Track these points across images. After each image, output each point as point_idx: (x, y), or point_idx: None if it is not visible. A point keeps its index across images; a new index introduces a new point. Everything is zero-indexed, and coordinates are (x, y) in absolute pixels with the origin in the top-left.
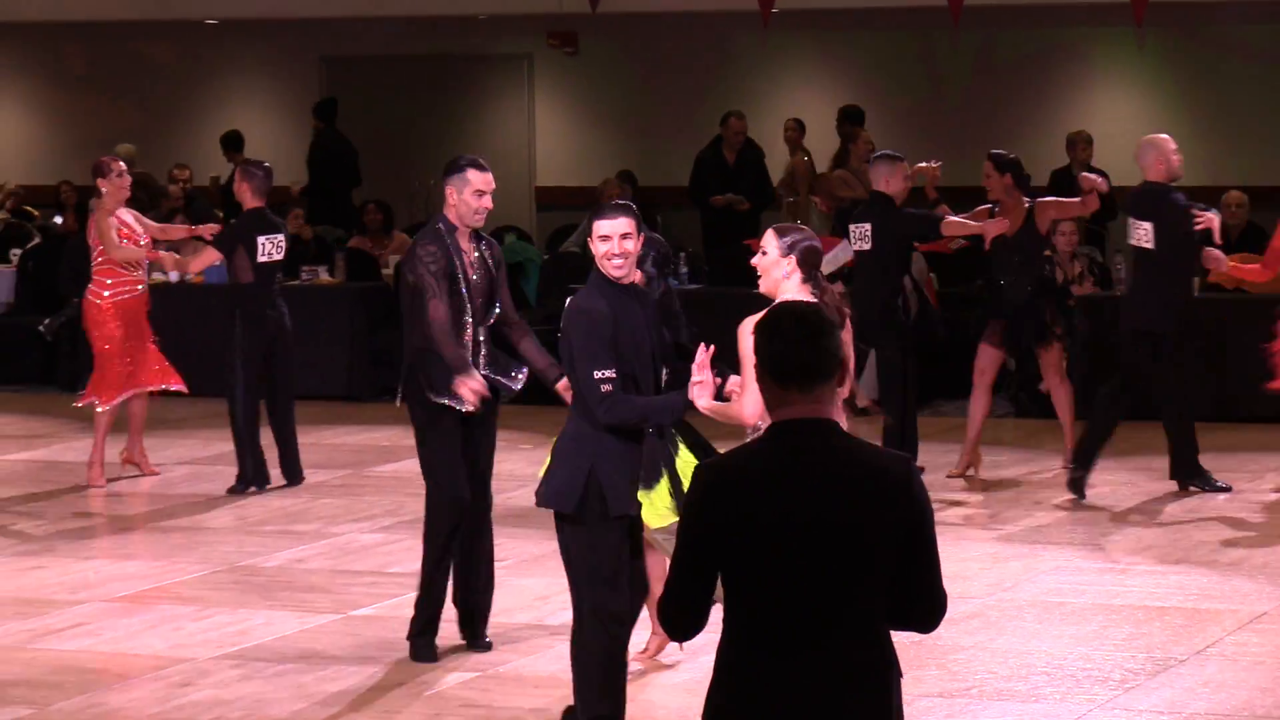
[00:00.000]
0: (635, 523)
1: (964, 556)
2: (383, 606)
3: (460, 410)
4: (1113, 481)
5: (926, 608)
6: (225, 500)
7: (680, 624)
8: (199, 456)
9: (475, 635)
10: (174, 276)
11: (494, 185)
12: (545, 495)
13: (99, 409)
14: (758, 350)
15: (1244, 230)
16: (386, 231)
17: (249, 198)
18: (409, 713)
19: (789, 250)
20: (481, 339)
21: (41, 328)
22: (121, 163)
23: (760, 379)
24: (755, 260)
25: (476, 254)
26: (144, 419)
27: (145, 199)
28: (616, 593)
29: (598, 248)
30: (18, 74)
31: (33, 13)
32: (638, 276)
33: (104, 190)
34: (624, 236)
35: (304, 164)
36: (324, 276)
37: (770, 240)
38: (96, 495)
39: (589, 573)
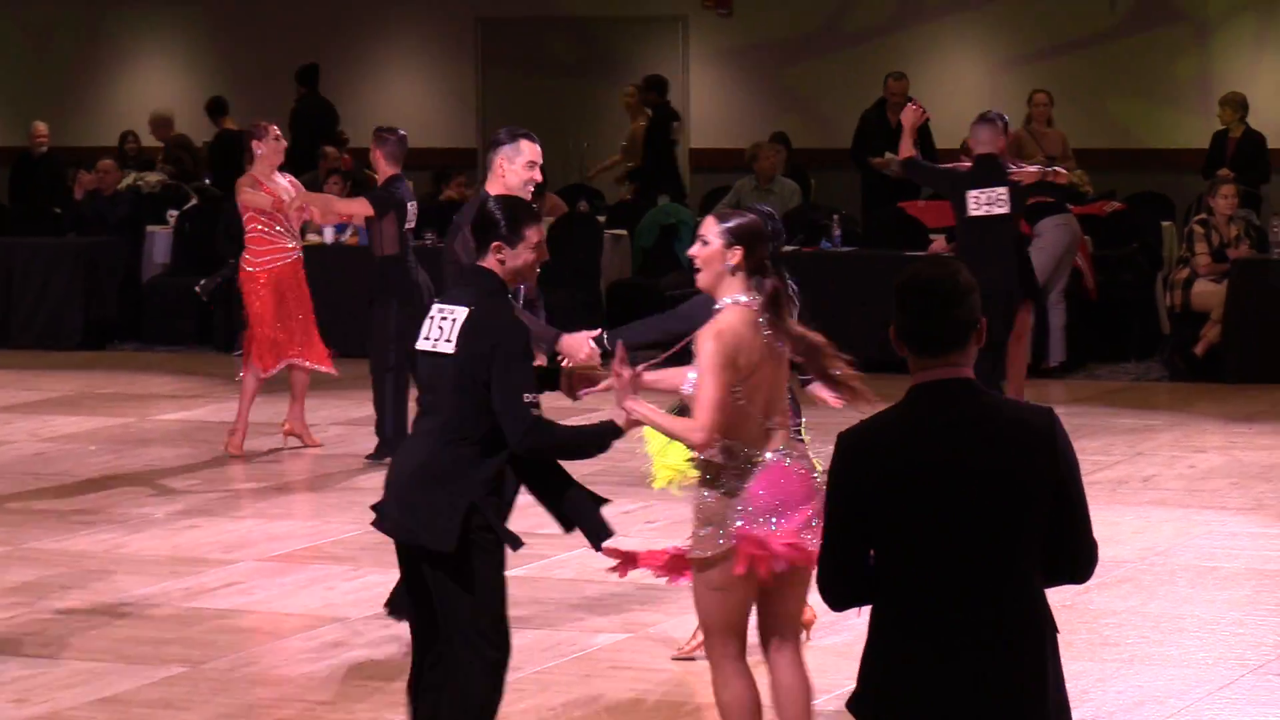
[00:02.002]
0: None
1: (1116, 520)
2: (533, 568)
3: None
4: (1267, 445)
5: (1079, 558)
6: (375, 462)
7: (837, 590)
8: (353, 417)
9: None
10: (329, 236)
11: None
12: None
13: (261, 375)
14: (894, 316)
15: None
16: (539, 193)
17: (384, 165)
18: (559, 673)
19: (733, 240)
20: None
21: (198, 288)
22: (275, 127)
23: (897, 344)
24: (694, 251)
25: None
26: (305, 389)
27: (189, 160)
28: None
29: (526, 255)
30: (181, 31)
31: None
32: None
33: (258, 153)
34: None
35: (460, 125)
36: None
37: (710, 227)
38: (246, 456)
39: None
